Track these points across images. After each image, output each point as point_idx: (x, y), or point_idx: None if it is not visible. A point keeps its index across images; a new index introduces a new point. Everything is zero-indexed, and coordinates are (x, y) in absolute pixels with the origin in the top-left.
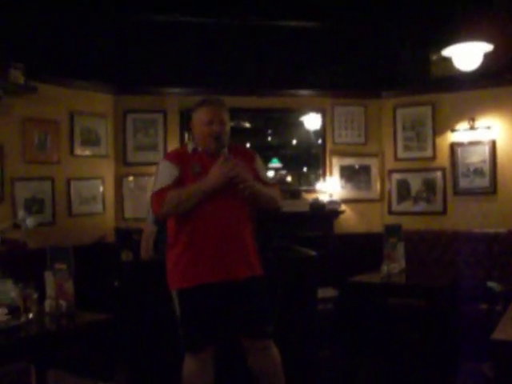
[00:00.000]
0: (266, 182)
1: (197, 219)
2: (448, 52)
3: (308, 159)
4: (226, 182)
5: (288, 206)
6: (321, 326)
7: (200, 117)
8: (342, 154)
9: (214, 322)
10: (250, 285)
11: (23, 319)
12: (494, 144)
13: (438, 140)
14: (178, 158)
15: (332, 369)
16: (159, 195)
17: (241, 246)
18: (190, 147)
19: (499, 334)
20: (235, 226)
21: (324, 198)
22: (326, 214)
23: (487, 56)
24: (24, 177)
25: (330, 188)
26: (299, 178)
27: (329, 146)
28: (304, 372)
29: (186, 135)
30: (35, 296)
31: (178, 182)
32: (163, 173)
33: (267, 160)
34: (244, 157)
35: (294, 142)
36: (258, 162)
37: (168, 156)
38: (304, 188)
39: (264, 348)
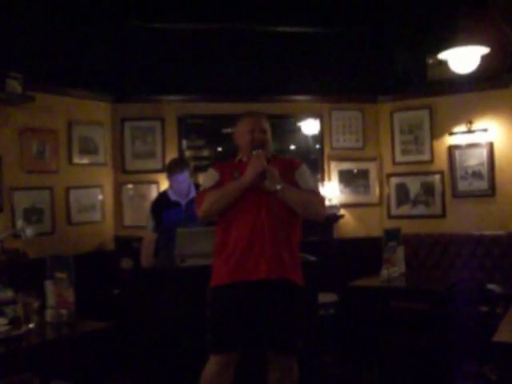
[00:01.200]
0: (305, 189)
1: (234, 220)
2: (444, 55)
3: (306, 164)
4: (257, 177)
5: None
6: (322, 331)
7: (242, 127)
8: (341, 158)
9: (242, 326)
10: (281, 288)
11: (24, 329)
12: (491, 146)
13: (436, 143)
14: (222, 166)
15: (334, 374)
16: (199, 197)
17: (276, 247)
18: (236, 158)
19: (500, 336)
20: (270, 228)
21: None
22: (325, 218)
23: (483, 59)
24: (23, 186)
25: (328, 193)
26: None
27: (327, 150)
28: (306, 378)
29: (184, 142)
30: (36, 305)
31: (218, 186)
32: (206, 179)
33: None
34: (285, 165)
35: (293, 147)
36: (300, 170)
37: (216, 164)
38: None
39: (287, 368)
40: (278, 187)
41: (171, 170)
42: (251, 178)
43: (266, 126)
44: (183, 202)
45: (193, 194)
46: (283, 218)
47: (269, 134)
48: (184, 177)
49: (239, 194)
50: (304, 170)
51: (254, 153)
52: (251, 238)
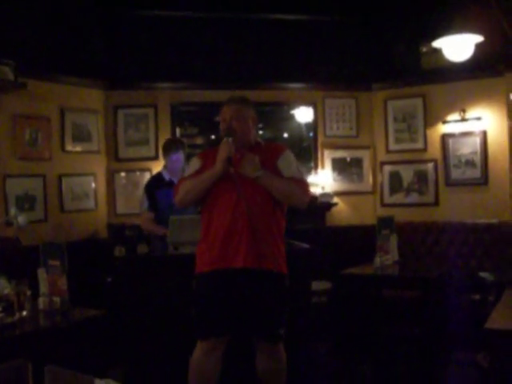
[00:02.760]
0: (287, 177)
1: (215, 209)
2: (438, 43)
3: (300, 152)
4: (224, 164)
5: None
6: (315, 318)
7: (220, 116)
8: (334, 146)
9: (224, 313)
10: (260, 277)
11: (17, 316)
12: (484, 135)
13: (430, 132)
14: (207, 154)
15: (327, 361)
16: (177, 185)
17: (258, 236)
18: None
19: (492, 324)
20: (251, 216)
21: (316, 190)
22: (318, 206)
23: (477, 47)
24: (15, 174)
25: (322, 181)
26: None
27: (320, 138)
28: (298, 365)
29: (178, 130)
30: (29, 293)
31: (197, 174)
32: (188, 167)
33: None
34: (268, 152)
35: (286, 135)
36: (283, 156)
37: (205, 151)
38: None
39: (273, 352)
40: (258, 174)
41: (167, 149)
42: (219, 166)
43: (243, 113)
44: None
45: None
46: (264, 206)
47: (248, 122)
48: (179, 156)
49: (211, 183)
50: (287, 155)
51: (223, 141)
52: (230, 227)
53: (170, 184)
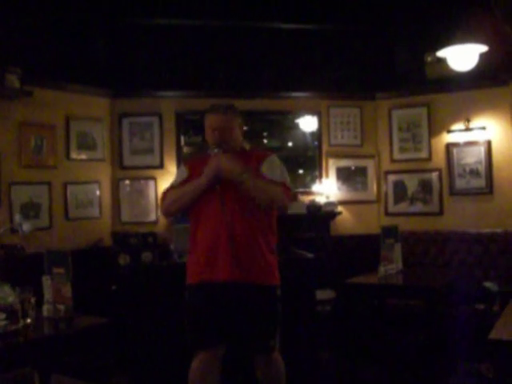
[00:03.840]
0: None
1: (200, 219)
2: (443, 53)
3: (304, 161)
4: (215, 177)
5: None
6: (319, 327)
7: (205, 123)
8: (338, 155)
9: (215, 324)
10: (247, 290)
11: (21, 324)
12: (489, 144)
13: (434, 141)
14: (194, 162)
15: (331, 370)
16: (163, 195)
17: (248, 249)
18: (211, 152)
19: (497, 335)
20: (235, 228)
21: (320, 199)
22: (322, 215)
23: (482, 57)
24: (20, 181)
25: (326, 190)
26: (295, 180)
27: (325, 147)
28: (303, 374)
29: (182, 138)
30: (33, 300)
31: (184, 183)
32: (176, 176)
33: None
34: (253, 158)
35: (290, 144)
36: (267, 160)
37: (192, 158)
38: (300, 190)
39: (268, 362)
40: (242, 177)
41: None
42: (207, 180)
43: (232, 122)
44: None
45: None
46: (249, 217)
47: (236, 130)
48: None
49: (196, 195)
50: (271, 160)
51: (212, 153)
52: (213, 239)
53: None
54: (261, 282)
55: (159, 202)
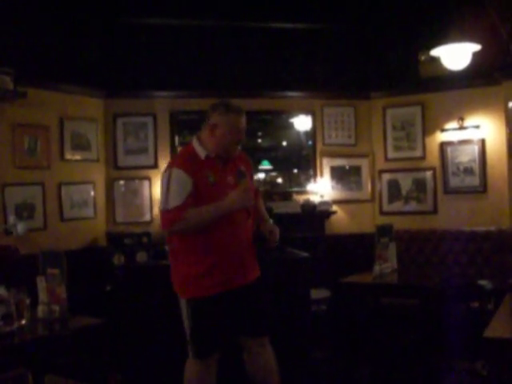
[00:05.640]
0: (258, 192)
1: (214, 229)
2: (436, 52)
3: (298, 160)
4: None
5: (279, 207)
6: (314, 326)
7: (229, 122)
8: (333, 154)
9: (224, 329)
10: (256, 285)
11: (16, 325)
12: (483, 143)
13: (428, 140)
14: (191, 165)
15: (326, 370)
16: (172, 214)
17: (249, 249)
18: (201, 153)
19: (491, 333)
20: (245, 230)
21: (315, 199)
22: (317, 215)
23: (475, 56)
24: (14, 182)
25: (320, 189)
26: (290, 179)
27: (319, 147)
28: (298, 373)
29: (176, 138)
30: (27, 301)
31: (192, 198)
32: (177, 185)
33: (258, 162)
34: (244, 164)
35: (285, 143)
36: (252, 167)
37: (179, 163)
38: (295, 189)
39: (262, 344)
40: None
41: None
42: (238, 208)
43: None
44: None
45: None
46: (248, 221)
47: None
48: None
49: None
50: (252, 166)
51: (242, 184)
52: (235, 245)
53: None
54: (256, 276)
55: (164, 220)
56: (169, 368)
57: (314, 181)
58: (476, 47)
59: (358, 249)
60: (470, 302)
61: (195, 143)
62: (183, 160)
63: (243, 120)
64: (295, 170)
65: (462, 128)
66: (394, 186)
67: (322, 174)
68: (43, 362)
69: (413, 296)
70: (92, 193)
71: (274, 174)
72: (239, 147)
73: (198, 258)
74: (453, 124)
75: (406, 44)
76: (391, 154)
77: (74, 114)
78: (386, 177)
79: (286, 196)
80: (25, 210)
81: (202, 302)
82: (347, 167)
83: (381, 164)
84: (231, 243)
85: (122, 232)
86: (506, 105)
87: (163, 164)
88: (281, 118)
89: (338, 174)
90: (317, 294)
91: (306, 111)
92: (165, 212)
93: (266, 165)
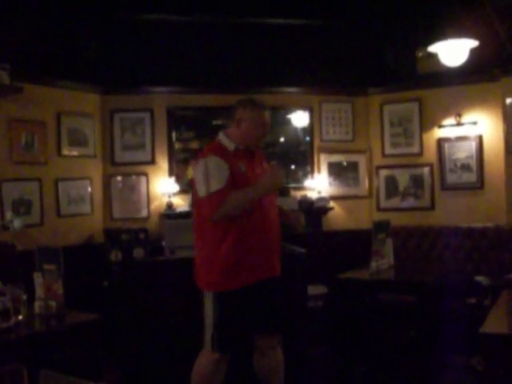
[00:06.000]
0: None
1: (246, 217)
2: (434, 48)
3: (296, 157)
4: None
5: (277, 203)
6: (311, 322)
7: (255, 117)
8: (330, 151)
9: (247, 324)
10: (279, 280)
11: (13, 321)
12: (480, 139)
13: (425, 136)
14: (225, 154)
15: (322, 366)
16: (216, 198)
17: (277, 242)
18: (229, 145)
19: (487, 328)
20: (276, 225)
21: (312, 195)
22: (314, 211)
23: (473, 52)
24: (11, 178)
25: (318, 185)
26: (287, 175)
27: (316, 143)
28: (294, 369)
29: (174, 134)
30: (24, 297)
31: (231, 182)
32: (216, 170)
33: None
34: (262, 156)
35: (282, 139)
36: None
37: (213, 151)
38: (292, 185)
39: (273, 347)
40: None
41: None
42: (272, 190)
43: None
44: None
45: None
46: (277, 216)
47: None
48: None
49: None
50: None
51: (272, 166)
52: (263, 235)
53: None
54: (277, 272)
55: (210, 205)
56: (166, 363)
57: (312, 177)
58: (473, 43)
59: (355, 245)
60: (466, 298)
61: (222, 138)
62: (215, 150)
63: (267, 115)
64: (293, 166)
65: (459, 124)
66: (391, 182)
67: (319, 170)
68: (40, 357)
69: (410, 292)
70: (89, 189)
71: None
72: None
73: (229, 247)
74: (450, 120)
75: (403, 40)
76: (388, 150)
77: (71, 109)
78: (384, 173)
79: (284, 192)
80: (22, 206)
81: (230, 294)
82: (345, 163)
83: (378, 160)
84: (262, 232)
85: (119, 228)
86: (503, 101)
87: (160, 160)
88: (278, 114)
89: (336, 170)
90: (313, 290)
91: (303, 107)
92: (208, 197)
93: None
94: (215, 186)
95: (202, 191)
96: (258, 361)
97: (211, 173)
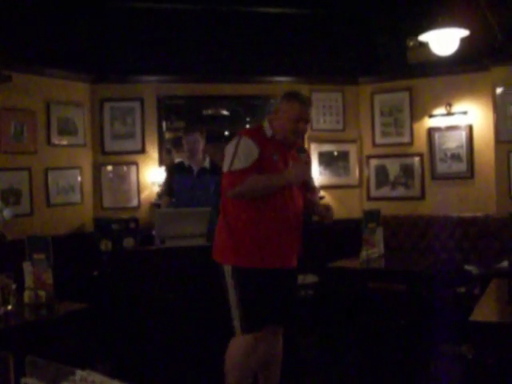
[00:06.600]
0: (313, 186)
1: (273, 205)
2: (425, 37)
3: None
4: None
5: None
6: (302, 312)
7: (290, 110)
8: (321, 140)
9: (272, 306)
10: (295, 273)
11: (2, 311)
12: (470, 129)
13: (416, 125)
14: (259, 138)
15: (313, 355)
16: (236, 176)
17: (298, 237)
18: (268, 131)
19: (477, 316)
20: (297, 218)
21: None
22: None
23: (464, 42)
24: (0, 167)
25: None
26: None
27: (307, 132)
28: (285, 358)
29: (164, 123)
30: (14, 287)
31: (257, 165)
32: (244, 151)
33: None
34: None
35: None
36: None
37: (249, 133)
38: None
39: (276, 334)
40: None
41: (184, 130)
42: (298, 181)
43: (311, 115)
44: (195, 168)
45: (207, 163)
46: (301, 207)
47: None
48: (193, 138)
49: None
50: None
51: (302, 158)
52: (287, 228)
53: (189, 171)
54: (295, 265)
55: (227, 182)
56: (156, 352)
57: None
58: (464, 33)
59: (345, 234)
60: (456, 287)
61: (265, 123)
62: (253, 132)
63: (305, 111)
64: None
65: (449, 114)
66: (381, 172)
67: None
68: (29, 347)
69: (400, 281)
70: (79, 178)
71: None
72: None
73: (250, 229)
74: (440, 110)
75: (394, 29)
76: (379, 140)
77: (61, 98)
78: (374, 162)
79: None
80: (11, 196)
81: (251, 272)
82: (335, 153)
83: (369, 150)
84: (281, 221)
85: (109, 217)
86: (493, 91)
87: (150, 149)
88: (269, 103)
89: (326, 160)
90: (304, 279)
91: None
92: (227, 173)
93: None
94: (238, 164)
95: (225, 166)
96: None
97: (239, 152)
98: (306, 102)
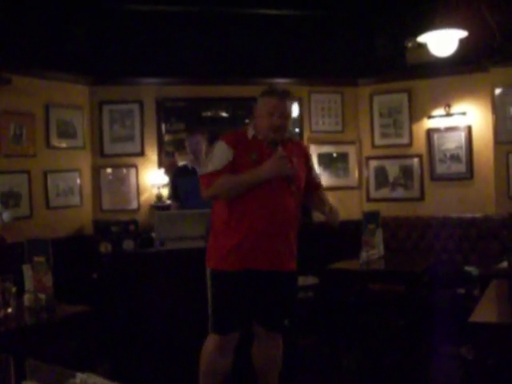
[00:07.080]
0: (319, 183)
1: (249, 206)
2: (423, 38)
3: None
4: (279, 178)
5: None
6: (302, 313)
7: (262, 106)
8: (320, 141)
9: (243, 308)
10: (288, 278)
11: (2, 313)
12: (469, 130)
13: (415, 127)
14: (236, 141)
15: (313, 356)
16: (208, 179)
17: (289, 235)
18: (249, 133)
19: (476, 317)
20: (287, 216)
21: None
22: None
23: (462, 42)
24: (0, 170)
25: None
26: None
27: (306, 134)
28: (285, 359)
29: (163, 125)
30: (14, 290)
31: (231, 168)
32: (217, 155)
33: None
34: (299, 152)
35: None
36: (311, 159)
37: (225, 137)
38: None
39: (274, 338)
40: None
41: (186, 132)
42: (271, 177)
43: (288, 109)
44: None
45: None
46: (292, 207)
47: (290, 119)
48: (195, 139)
49: (254, 186)
50: (311, 158)
51: (276, 153)
52: (267, 227)
53: (193, 173)
54: (289, 269)
55: (201, 185)
56: (156, 354)
57: None
58: (463, 34)
59: (345, 235)
60: (456, 288)
61: (250, 125)
62: (230, 135)
63: (278, 104)
64: None
65: (448, 115)
66: (380, 173)
67: None
68: (29, 350)
69: (400, 282)
70: (78, 180)
71: None
72: (284, 133)
73: (230, 229)
74: (439, 111)
75: (392, 31)
76: (378, 141)
77: (60, 101)
78: (373, 164)
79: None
80: (11, 199)
81: (224, 274)
82: (334, 154)
83: (368, 151)
84: (266, 219)
85: (108, 220)
86: (492, 92)
87: (150, 151)
88: None
89: (325, 161)
90: (304, 280)
91: (293, 98)
92: (201, 176)
93: None
94: (211, 167)
95: (201, 170)
96: (255, 347)
97: (213, 156)
98: (278, 96)
